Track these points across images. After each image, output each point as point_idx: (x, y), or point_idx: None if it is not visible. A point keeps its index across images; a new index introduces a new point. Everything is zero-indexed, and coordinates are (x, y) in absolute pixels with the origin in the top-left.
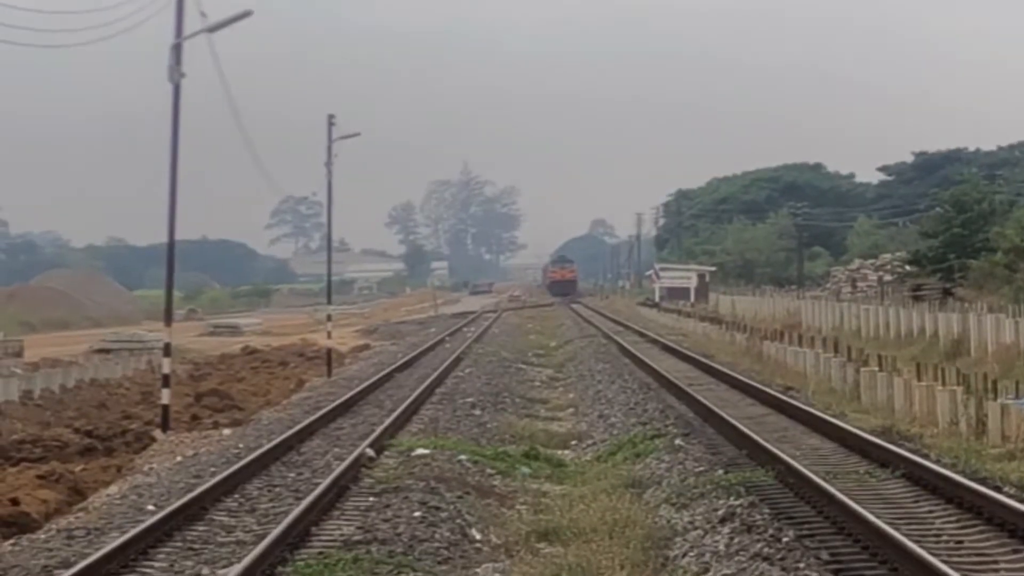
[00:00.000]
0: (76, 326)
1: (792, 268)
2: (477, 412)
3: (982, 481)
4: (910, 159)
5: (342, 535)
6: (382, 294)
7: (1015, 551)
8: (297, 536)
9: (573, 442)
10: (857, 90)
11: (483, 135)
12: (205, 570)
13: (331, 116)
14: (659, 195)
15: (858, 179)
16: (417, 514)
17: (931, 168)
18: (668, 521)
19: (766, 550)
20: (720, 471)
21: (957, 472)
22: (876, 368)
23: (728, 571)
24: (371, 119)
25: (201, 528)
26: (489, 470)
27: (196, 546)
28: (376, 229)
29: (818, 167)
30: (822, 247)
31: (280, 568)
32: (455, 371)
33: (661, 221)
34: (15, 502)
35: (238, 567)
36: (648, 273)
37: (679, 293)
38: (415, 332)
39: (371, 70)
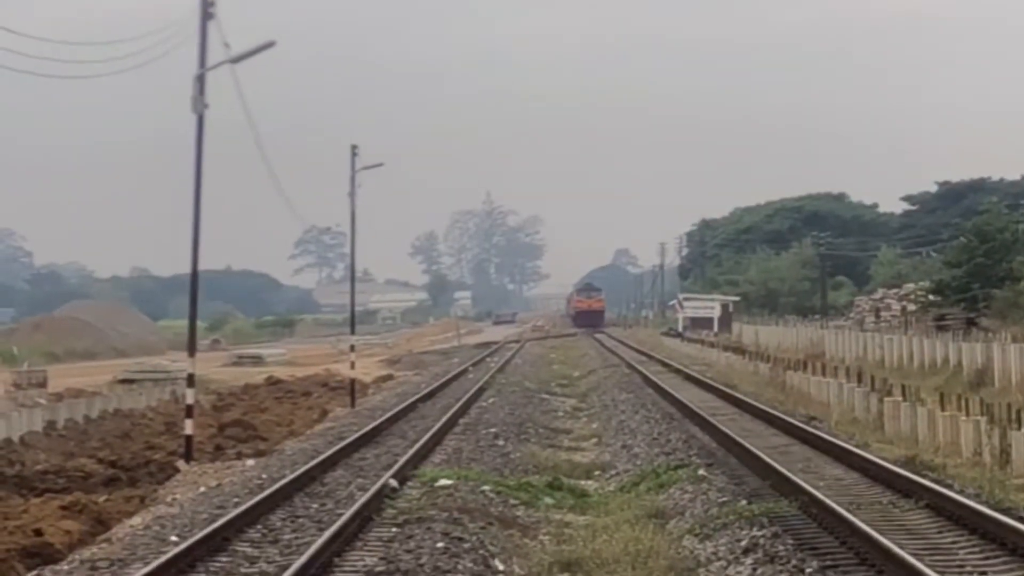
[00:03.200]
0: (100, 356)
1: (815, 298)
2: (500, 442)
3: (1006, 512)
4: (933, 189)
5: (365, 566)
6: (405, 324)
7: None
8: (320, 567)
9: (596, 472)
10: (880, 120)
11: (506, 165)
12: None
13: (354, 147)
14: (682, 225)
15: (881, 209)
16: (440, 545)
17: (954, 198)
18: (691, 552)
19: None
20: (743, 501)
21: (981, 503)
22: (900, 398)
23: None
24: (394, 149)
25: (224, 559)
26: (512, 500)
27: None
28: (400, 259)
29: (841, 197)
30: (845, 277)
31: None
32: (478, 401)
33: (684, 251)
34: (39, 533)
35: None
36: (671, 303)
37: (702, 323)
38: (438, 362)
39: (394, 100)
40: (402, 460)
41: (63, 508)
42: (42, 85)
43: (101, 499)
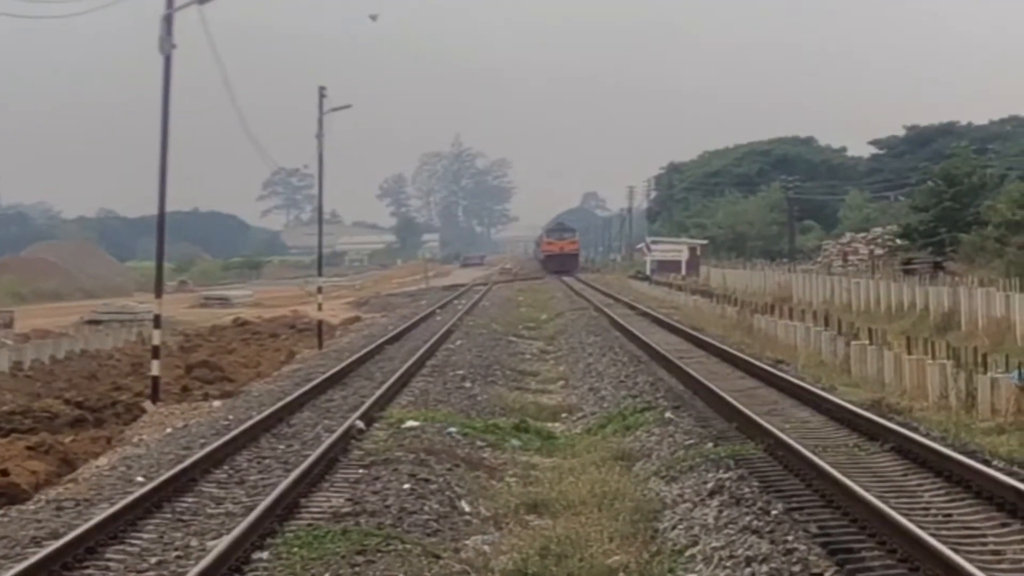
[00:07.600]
0: (67, 297)
1: (783, 241)
2: (467, 384)
3: (971, 455)
4: (902, 133)
5: (331, 507)
6: (373, 266)
7: (1004, 524)
8: (286, 508)
9: (563, 415)
10: (849, 64)
11: (475, 107)
12: (194, 541)
13: (322, 88)
14: (651, 168)
15: (850, 153)
16: (406, 486)
17: (922, 142)
18: (657, 494)
19: (755, 523)
20: (709, 444)
21: (946, 446)
22: (866, 341)
23: (717, 544)
24: (363, 91)
25: (190, 500)
26: (479, 442)
27: (185, 517)
28: (368, 201)
29: (810, 140)
30: (813, 220)
31: (269, 540)
32: (446, 343)
33: (653, 194)
34: (4, 473)
35: (227, 539)
36: (639, 246)
37: (670, 266)
38: (406, 304)
39: (363, 42)
40: (369, 402)
41: (29, 448)
42: (7, 24)
43: (67, 439)
